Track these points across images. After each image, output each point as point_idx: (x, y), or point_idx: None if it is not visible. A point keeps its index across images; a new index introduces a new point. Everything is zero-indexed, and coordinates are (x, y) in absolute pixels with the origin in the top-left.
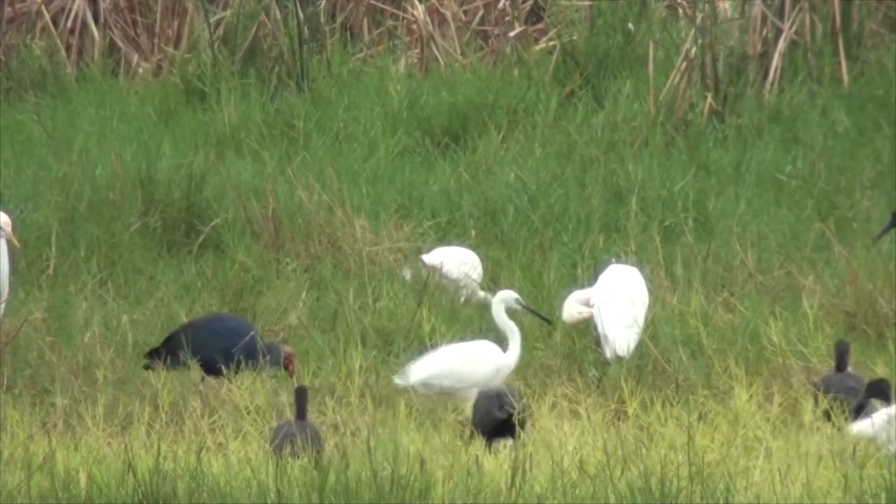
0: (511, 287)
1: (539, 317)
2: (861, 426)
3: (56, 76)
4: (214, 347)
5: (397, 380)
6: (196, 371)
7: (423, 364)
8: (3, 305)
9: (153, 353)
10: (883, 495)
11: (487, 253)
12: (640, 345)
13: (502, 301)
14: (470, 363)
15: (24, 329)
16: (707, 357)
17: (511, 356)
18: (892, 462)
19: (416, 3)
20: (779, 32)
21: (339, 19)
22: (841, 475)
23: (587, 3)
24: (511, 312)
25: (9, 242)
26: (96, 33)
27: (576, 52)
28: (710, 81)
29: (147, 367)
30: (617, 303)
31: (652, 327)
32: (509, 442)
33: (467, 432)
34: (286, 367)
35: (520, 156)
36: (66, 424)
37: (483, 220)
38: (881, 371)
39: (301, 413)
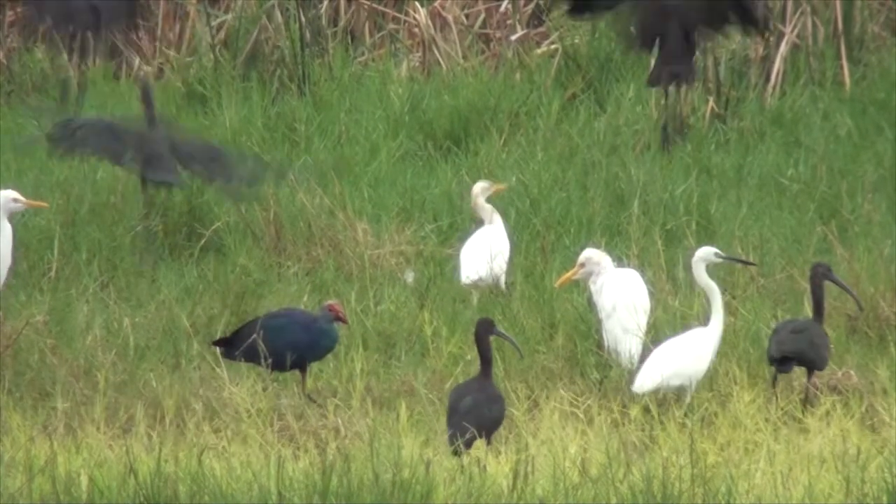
0: (512, 290)
1: (744, 262)
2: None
3: (57, 79)
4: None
5: (634, 388)
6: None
7: (650, 371)
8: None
9: (224, 343)
10: (884, 497)
11: None
12: (642, 347)
13: (702, 259)
14: (697, 360)
15: (26, 332)
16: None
17: (714, 328)
18: (893, 464)
19: (418, 6)
20: (780, 36)
21: (341, 23)
22: (843, 477)
23: None
24: (710, 269)
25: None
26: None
27: (578, 56)
28: (712, 85)
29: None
30: (620, 314)
31: (654, 330)
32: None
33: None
34: (340, 320)
35: (521, 159)
36: (67, 427)
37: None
38: (883, 375)
39: None
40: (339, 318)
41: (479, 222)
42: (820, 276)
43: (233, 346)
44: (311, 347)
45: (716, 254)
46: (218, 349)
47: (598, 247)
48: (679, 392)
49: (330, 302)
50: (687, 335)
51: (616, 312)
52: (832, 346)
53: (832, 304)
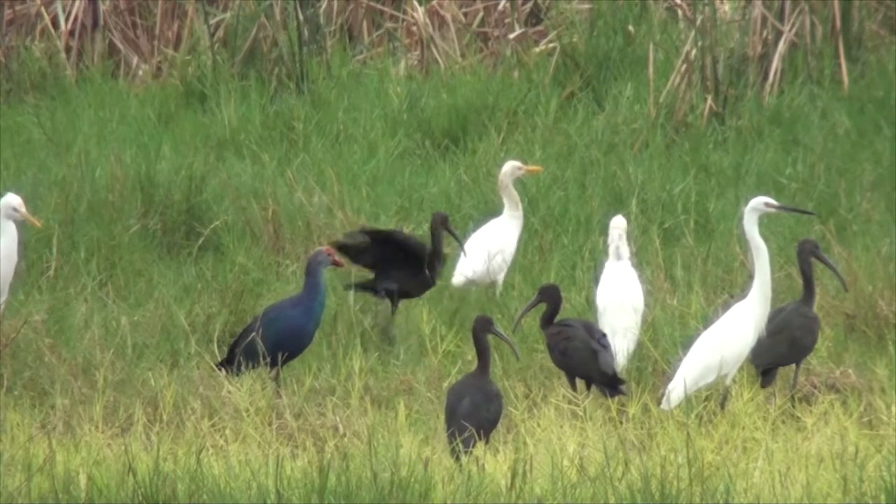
0: (510, 289)
1: (801, 211)
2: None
3: (56, 78)
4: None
5: (663, 406)
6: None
7: (677, 381)
8: (5, 296)
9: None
10: (883, 496)
11: None
12: (640, 346)
13: (754, 210)
14: (721, 347)
15: (24, 331)
16: None
17: (752, 298)
18: (892, 463)
19: (416, 4)
20: (779, 34)
21: (339, 21)
22: (841, 476)
23: (587, 5)
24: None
25: (19, 224)
26: (96, 35)
27: (576, 54)
28: (710, 83)
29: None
30: (611, 314)
31: (652, 329)
32: None
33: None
34: (335, 264)
35: (520, 157)
36: (65, 426)
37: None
38: (881, 373)
39: None
40: (335, 263)
41: (478, 220)
42: (807, 252)
43: (232, 362)
44: (310, 319)
45: (766, 203)
46: (221, 369)
47: (625, 215)
48: (719, 383)
49: (323, 247)
50: (718, 323)
51: (606, 313)
52: (822, 329)
53: (830, 302)
